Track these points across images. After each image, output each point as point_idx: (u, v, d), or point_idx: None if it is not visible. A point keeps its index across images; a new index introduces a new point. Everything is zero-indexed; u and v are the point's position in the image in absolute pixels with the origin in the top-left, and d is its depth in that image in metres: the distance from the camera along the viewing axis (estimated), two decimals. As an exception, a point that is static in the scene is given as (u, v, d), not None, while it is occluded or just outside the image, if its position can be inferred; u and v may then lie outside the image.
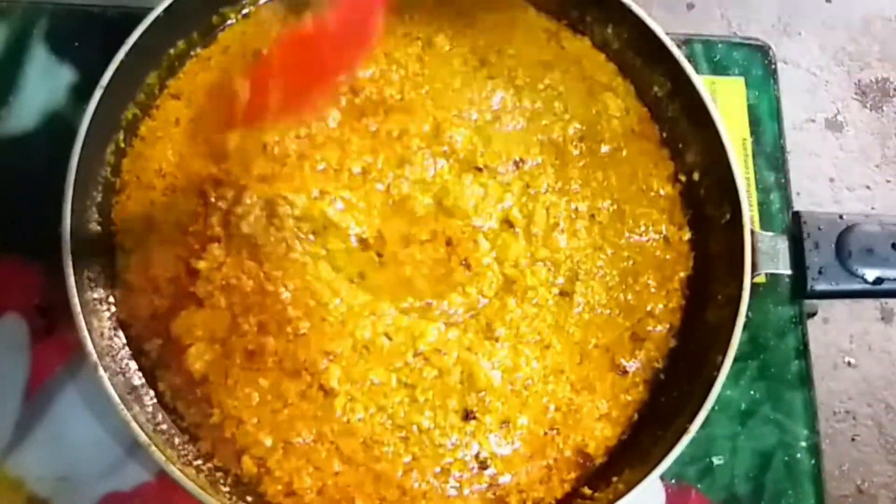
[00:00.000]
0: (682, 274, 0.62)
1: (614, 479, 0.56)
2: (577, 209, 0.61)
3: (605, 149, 0.63)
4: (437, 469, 0.55)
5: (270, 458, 0.54)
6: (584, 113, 0.64)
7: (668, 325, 0.61)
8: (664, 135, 0.64)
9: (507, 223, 0.60)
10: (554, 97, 0.64)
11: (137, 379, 0.56)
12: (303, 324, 0.55)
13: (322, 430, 0.55)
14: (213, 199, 0.58)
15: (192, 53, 0.63)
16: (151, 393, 0.56)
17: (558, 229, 0.60)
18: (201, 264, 0.56)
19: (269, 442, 0.54)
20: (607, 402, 0.58)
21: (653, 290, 0.61)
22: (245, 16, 0.65)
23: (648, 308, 0.60)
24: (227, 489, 0.54)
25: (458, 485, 0.56)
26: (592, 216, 0.61)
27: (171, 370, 0.56)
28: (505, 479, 0.56)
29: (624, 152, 0.63)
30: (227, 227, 0.57)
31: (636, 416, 0.59)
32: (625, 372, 0.59)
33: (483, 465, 0.56)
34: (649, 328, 0.60)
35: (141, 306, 0.57)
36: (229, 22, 0.64)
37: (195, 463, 0.54)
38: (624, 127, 0.64)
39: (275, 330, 0.55)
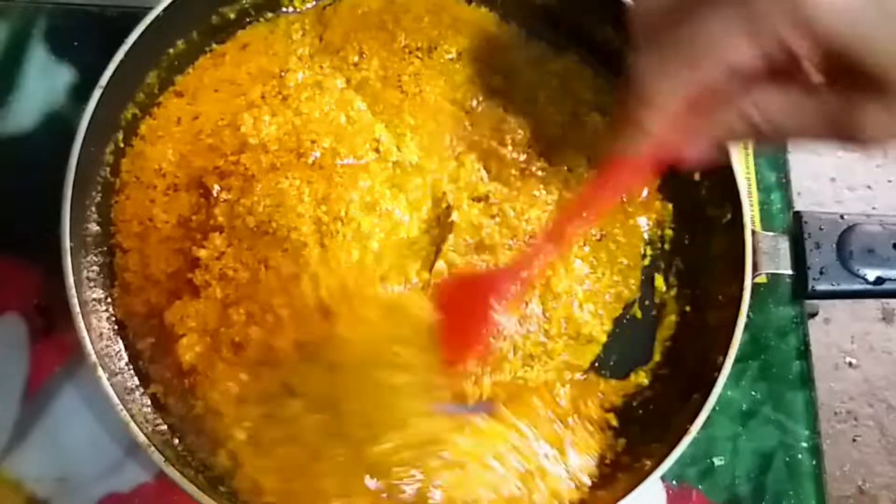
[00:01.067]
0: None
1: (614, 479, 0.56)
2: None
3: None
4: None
5: (242, 454, 0.53)
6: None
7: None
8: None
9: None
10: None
11: (136, 379, 0.56)
12: (283, 311, 0.54)
13: (291, 432, 0.53)
14: (215, 192, 0.57)
15: (206, 49, 0.63)
16: (149, 393, 0.56)
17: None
18: (202, 252, 0.56)
19: (242, 437, 0.54)
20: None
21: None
22: (268, 19, 0.65)
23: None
24: (225, 489, 0.53)
25: None
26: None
27: (162, 363, 0.56)
28: None
29: None
30: (231, 217, 0.57)
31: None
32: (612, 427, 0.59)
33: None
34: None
35: (137, 304, 0.57)
36: (248, 20, 0.64)
37: (194, 464, 0.54)
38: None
39: (259, 319, 0.55)
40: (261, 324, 0.54)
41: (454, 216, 0.59)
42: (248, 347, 0.54)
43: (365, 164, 0.59)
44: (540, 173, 0.62)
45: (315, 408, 0.53)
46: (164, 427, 0.55)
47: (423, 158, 0.61)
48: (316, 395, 0.53)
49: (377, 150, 0.60)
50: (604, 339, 0.61)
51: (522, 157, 0.62)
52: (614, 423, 0.59)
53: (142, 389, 0.56)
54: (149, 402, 0.56)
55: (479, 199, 0.60)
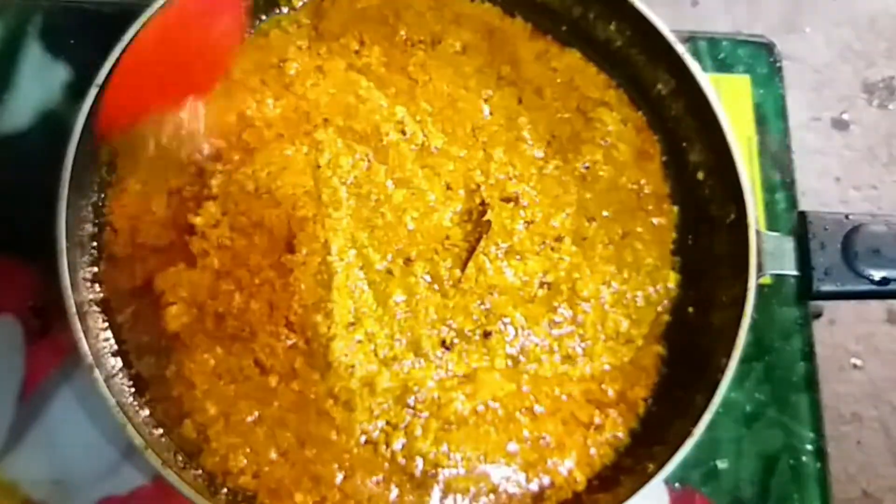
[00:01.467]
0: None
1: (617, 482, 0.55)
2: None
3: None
4: (378, 479, 0.54)
5: (211, 428, 0.53)
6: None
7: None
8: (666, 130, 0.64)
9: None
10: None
11: (130, 380, 0.56)
12: (271, 273, 0.55)
13: (263, 414, 0.54)
14: (207, 167, 0.57)
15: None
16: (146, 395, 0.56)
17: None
18: (198, 220, 0.56)
19: (212, 411, 0.53)
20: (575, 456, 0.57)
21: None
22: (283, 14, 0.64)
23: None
24: (224, 493, 0.53)
25: (399, 492, 0.54)
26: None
27: (142, 330, 0.55)
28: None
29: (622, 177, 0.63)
30: (227, 185, 0.56)
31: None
32: (598, 427, 0.58)
33: (434, 476, 0.55)
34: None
35: (124, 275, 0.56)
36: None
37: (191, 467, 0.54)
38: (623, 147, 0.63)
39: (246, 283, 0.55)
40: (247, 288, 0.54)
41: (489, 215, 0.59)
42: (228, 318, 0.54)
43: (395, 141, 0.59)
44: (556, 172, 0.62)
45: (287, 379, 0.54)
46: (162, 430, 0.54)
47: (447, 144, 0.61)
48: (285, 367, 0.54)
49: (402, 132, 0.60)
50: (640, 341, 0.60)
51: (540, 154, 0.62)
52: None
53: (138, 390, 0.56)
54: (145, 404, 0.55)
55: (508, 200, 0.60)
